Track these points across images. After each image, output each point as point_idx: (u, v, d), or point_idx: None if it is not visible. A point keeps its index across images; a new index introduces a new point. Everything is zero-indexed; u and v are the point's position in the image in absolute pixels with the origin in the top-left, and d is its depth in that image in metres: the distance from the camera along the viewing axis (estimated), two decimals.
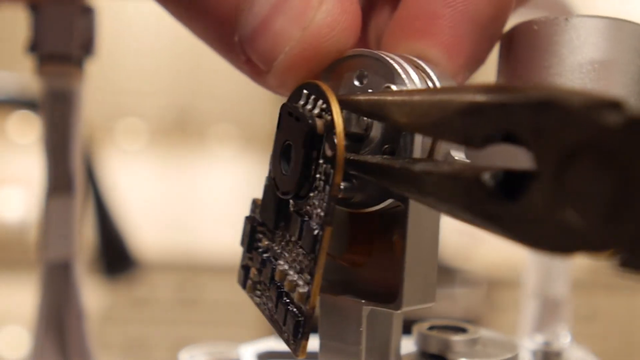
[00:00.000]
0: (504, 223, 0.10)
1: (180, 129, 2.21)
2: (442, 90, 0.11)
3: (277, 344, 0.20)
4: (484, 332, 0.18)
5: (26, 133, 2.05)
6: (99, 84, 2.00)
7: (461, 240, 2.01)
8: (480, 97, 0.10)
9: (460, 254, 2.01)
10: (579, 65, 0.16)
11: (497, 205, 0.10)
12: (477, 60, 0.17)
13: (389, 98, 0.13)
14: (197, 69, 2.17)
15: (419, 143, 0.14)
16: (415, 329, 0.18)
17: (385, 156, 0.14)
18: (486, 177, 0.10)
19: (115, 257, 0.66)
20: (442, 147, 0.14)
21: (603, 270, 2.17)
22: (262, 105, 2.19)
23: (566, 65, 0.16)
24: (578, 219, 0.09)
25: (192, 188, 2.37)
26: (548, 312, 0.28)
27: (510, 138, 0.10)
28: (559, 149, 0.09)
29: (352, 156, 0.14)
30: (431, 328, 0.18)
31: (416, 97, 0.12)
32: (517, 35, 0.17)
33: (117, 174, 1.32)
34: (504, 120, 0.10)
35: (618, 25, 0.16)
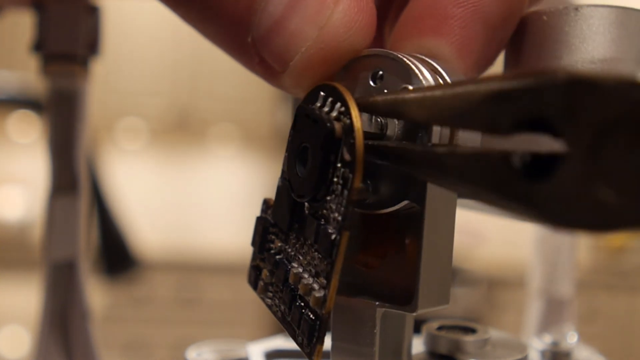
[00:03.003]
0: (533, 202, 0.10)
1: (181, 129, 2.21)
2: (464, 82, 0.11)
3: (285, 343, 0.20)
4: (493, 333, 0.18)
5: (26, 133, 2.05)
6: (99, 83, 2.00)
7: (461, 240, 2.01)
8: (507, 84, 0.10)
9: (461, 253, 2.01)
10: (590, 56, 0.16)
11: (526, 185, 0.10)
12: (487, 61, 0.17)
13: (407, 96, 0.13)
14: (197, 69, 2.17)
15: (437, 137, 0.13)
16: (425, 329, 0.18)
17: (405, 142, 0.14)
18: (514, 158, 0.10)
19: (116, 256, 0.66)
20: (460, 141, 0.14)
21: (603, 270, 2.17)
22: (262, 105, 2.19)
23: (577, 56, 0.16)
24: (613, 196, 0.09)
25: (192, 188, 2.37)
26: (553, 312, 0.28)
27: (537, 124, 0.10)
28: (592, 126, 0.09)
29: (371, 142, 0.14)
30: (440, 328, 0.18)
31: (437, 92, 0.12)
32: (525, 26, 0.17)
33: (117, 173, 1.32)
34: (534, 104, 0.10)
35: (628, 15, 0.16)
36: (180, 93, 2.20)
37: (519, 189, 0.10)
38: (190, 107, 2.20)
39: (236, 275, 2.06)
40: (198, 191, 2.37)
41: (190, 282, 2.09)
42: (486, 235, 2.12)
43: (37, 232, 2.01)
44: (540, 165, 0.10)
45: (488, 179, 0.10)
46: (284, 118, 2.14)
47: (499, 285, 2.09)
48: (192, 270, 2.09)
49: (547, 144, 0.10)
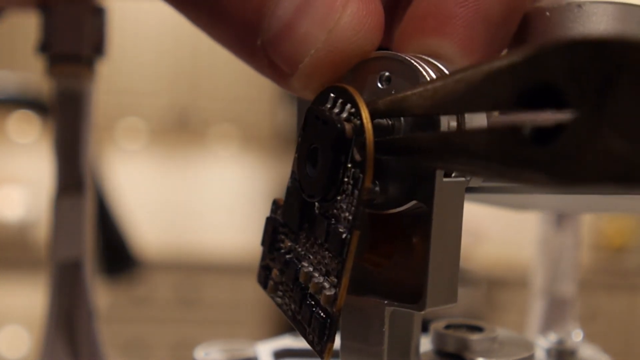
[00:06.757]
0: (543, 165, 0.09)
1: (181, 129, 2.21)
2: (464, 68, 0.11)
3: (294, 342, 0.20)
4: (500, 331, 0.18)
5: (26, 133, 2.05)
6: (100, 83, 1.99)
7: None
8: (507, 58, 0.10)
9: (461, 253, 2.01)
10: None
11: (534, 149, 0.10)
12: None
13: (406, 92, 0.13)
14: (197, 69, 2.17)
15: (446, 127, 0.14)
16: (432, 327, 0.18)
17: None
18: (522, 129, 0.10)
19: (117, 256, 0.66)
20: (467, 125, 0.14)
21: (603, 270, 2.17)
22: (262, 105, 2.19)
23: None
24: (623, 143, 0.09)
25: (192, 188, 2.37)
26: (556, 311, 0.28)
27: (540, 95, 0.10)
28: (596, 80, 0.09)
29: (377, 139, 0.14)
30: (447, 327, 0.18)
31: (438, 82, 0.12)
32: (528, 23, 0.17)
33: (117, 173, 1.32)
34: (536, 72, 0.10)
35: (631, 11, 0.16)
36: (180, 93, 2.20)
37: (528, 155, 0.10)
38: (190, 107, 2.20)
39: (236, 275, 2.06)
40: (198, 191, 2.37)
41: (190, 282, 2.09)
42: (486, 235, 2.12)
43: (37, 232, 2.01)
44: (548, 133, 0.10)
45: (496, 149, 0.10)
46: (284, 118, 2.14)
47: (499, 285, 2.09)
48: (192, 270, 2.09)
49: (552, 115, 0.10)
